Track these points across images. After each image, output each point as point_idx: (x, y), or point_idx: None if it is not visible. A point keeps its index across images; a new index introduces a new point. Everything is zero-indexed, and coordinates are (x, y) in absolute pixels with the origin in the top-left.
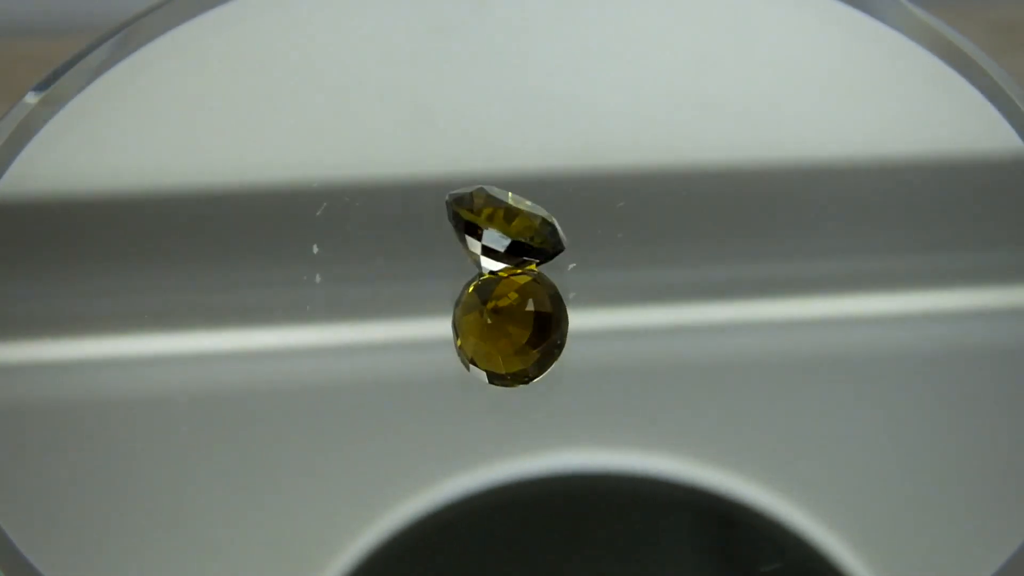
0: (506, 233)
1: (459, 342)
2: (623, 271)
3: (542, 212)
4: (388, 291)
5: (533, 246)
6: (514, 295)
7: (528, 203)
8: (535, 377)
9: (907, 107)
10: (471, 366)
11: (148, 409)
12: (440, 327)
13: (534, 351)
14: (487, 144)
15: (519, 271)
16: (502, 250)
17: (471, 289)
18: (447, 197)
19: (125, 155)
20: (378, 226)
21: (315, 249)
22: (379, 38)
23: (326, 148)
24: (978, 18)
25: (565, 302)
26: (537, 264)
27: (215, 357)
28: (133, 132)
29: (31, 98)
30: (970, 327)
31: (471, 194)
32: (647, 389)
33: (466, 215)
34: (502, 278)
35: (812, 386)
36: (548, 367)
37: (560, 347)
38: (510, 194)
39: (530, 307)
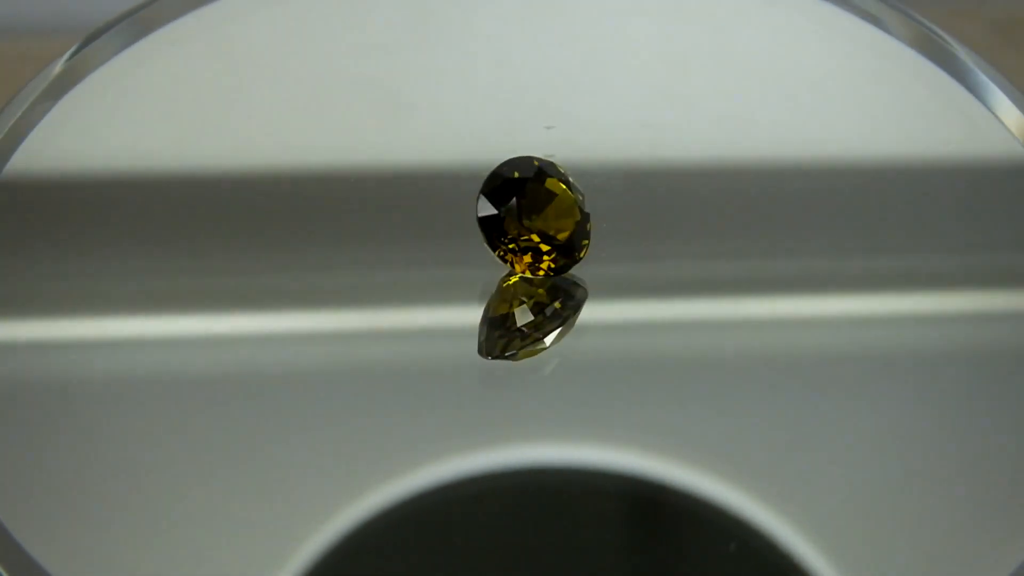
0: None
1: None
2: (614, 268)
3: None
4: (376, 280)
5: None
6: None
7: (577, 212)
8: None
9: (901, 110)
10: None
11: (159, 394)
12: (431, 318)
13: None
14: (485, 140)
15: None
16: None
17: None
18: (500, 168)
19: (126, 141)
20: (375, 216)
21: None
22: (381, 32)
23: (328, 136)
24: (978, 16)
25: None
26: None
27: (209, 341)
28: (133, 120)
29: (33, 88)
30: (960, 330)
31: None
32: (636, 386)
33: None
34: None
35: (802, 388)
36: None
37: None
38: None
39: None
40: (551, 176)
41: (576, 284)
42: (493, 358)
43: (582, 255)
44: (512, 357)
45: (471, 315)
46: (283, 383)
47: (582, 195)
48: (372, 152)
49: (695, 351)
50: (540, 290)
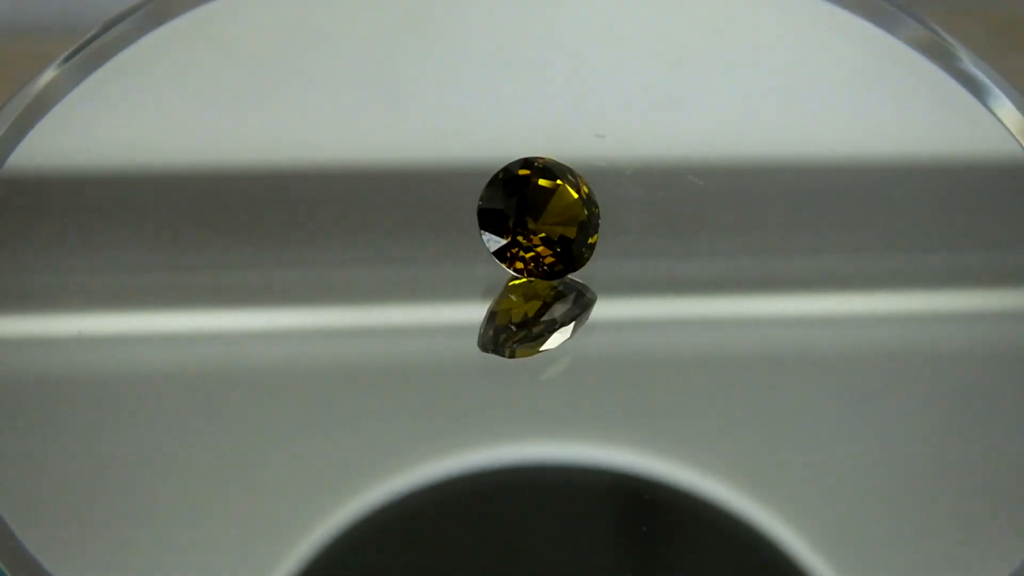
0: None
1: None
2: (614, 267)
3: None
4: (372, 276)
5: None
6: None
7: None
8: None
9: (901, 110)
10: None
11: (162, 392)
12: (433, 316)
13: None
14: (488, 136)
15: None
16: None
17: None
18: (515, 167)
19: (128, 138)
20: (374, 212)
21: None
22: (390, 29)
23: (333, 133)
24: (980, 17)
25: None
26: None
27: (212, 337)
28: (135, 117)
29: (35, 86)
30: (960, 330)
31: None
32: (638, 386)
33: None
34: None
35: (804, 388)
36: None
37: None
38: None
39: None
40: (561, 179)
41: (582, 289)
42: (490, 353)
43: (584, 262)
44: (509, 354)
45: (473, 313)
46: (285, 380)
47: (596, 205)
48: (379, 149)
49: (696, 351)
50: (546, 291)
